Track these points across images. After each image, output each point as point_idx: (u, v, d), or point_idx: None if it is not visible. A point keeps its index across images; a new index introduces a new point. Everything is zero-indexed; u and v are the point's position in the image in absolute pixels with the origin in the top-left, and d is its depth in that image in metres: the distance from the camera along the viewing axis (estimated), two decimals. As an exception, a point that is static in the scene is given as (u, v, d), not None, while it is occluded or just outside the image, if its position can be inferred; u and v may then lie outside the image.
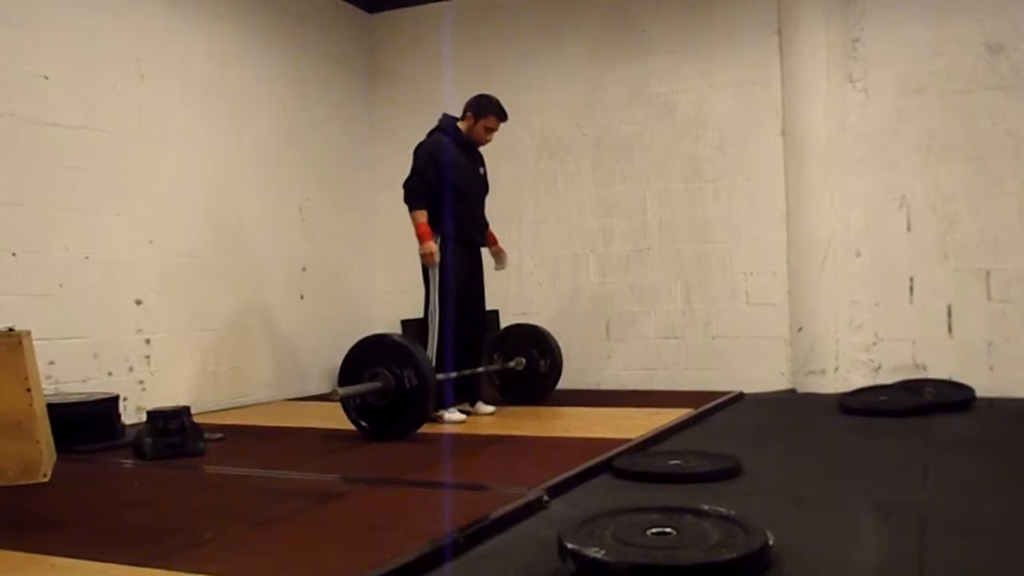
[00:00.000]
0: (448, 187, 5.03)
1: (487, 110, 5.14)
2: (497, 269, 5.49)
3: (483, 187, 5.36)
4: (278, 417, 5.57)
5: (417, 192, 5.00)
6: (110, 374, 5.11)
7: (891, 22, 6.08)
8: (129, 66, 5.35)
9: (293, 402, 6.40)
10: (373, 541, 2.60)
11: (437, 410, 4.79)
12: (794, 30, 6.23)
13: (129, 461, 4.06)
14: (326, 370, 6.74)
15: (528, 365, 5.76)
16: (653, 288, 6.70)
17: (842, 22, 6.17)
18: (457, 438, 4.53)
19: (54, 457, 3.87)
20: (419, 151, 5.14)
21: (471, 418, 5.15)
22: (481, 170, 5.35)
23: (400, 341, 4.55)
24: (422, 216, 4.97)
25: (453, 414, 4.97)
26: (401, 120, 7.56)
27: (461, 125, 5.19)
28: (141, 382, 5.33)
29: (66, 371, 4.84)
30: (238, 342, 6.13)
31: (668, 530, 2.40)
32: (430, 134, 5.25)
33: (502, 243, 5.53)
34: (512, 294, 7.04)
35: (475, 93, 5.09)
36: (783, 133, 6.33)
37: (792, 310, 6.28)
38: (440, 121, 5.28)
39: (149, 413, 4.21)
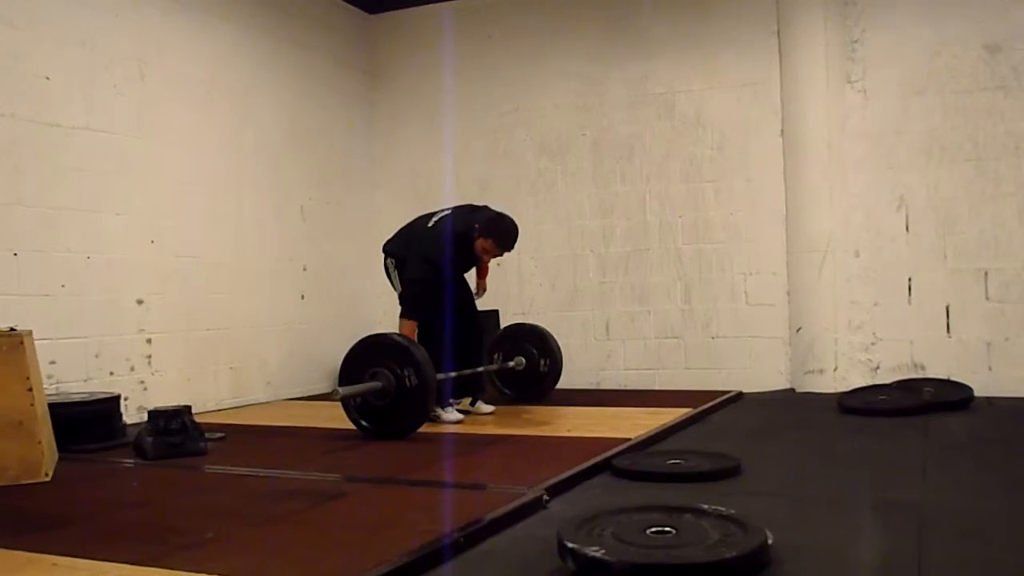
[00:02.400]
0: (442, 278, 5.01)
1: (489, 232, 4.97)
2: (475, 296, 5.45)
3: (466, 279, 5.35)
4: (279, 417, 5.58)
5: (417, 304, 4.91)
6: (111, 374, 5.12)
7: (890, 23, 6.09)
8: (130, 66, 5.36)
9: (294, 402, 6.41)
10: (373, 541, 2.60)
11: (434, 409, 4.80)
12: (793, 31, 6.24)
13: (130, 461, 4.06)
14: (326, 370, 6.75)
15: (528, 365, 5.76)
16: (653, 288, 6.71)
17: (841, 23, 6.17)
18: (457, 438, 4.54)
19: (55, 456, 3.88)
20: (424, 242, 4.99)
21: (471, 418, 5.16)
22: (471, 271, 5.32)
23: (400, 341, 4.55)
24: (410, 328, 4.86)
25: (451, 413, 4.97)
26: (401, 120, 7.59)
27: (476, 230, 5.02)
28: (142, 382, 5.34)
29: (67, 371, 4.85)
30: (239, 342, 6.14)
31: (668, 529, 2.41)
32: (445, 216, 5.12)
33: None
34: (512, 294, 7.05)
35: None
36: (782, 133, 6.33)
37: (791, 310, 6.29)
38: (459, 213, 5.15)
39: (150, 413, 4.22)
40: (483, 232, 5.00)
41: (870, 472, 3.58)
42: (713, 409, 5.40)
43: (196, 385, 5.73)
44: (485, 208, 5.22)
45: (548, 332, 5.92)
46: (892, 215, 6.08)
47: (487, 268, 5.45)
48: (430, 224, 5.11)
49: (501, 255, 5.17)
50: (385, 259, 5.26)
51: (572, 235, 6.97)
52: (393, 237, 5.36)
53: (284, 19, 6.73)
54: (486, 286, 5.48)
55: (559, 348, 5.87)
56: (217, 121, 6.06)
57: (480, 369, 5.33)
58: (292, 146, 6.77)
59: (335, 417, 4.73)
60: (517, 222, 5.05)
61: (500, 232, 5.00)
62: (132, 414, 5.04)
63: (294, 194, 6.77)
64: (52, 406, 4.08)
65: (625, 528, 2.41)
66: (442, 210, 5.26)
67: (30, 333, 3.90)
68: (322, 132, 7.12)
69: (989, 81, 5.84)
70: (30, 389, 3.65)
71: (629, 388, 6.67)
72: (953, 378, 5.69)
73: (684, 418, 4.88)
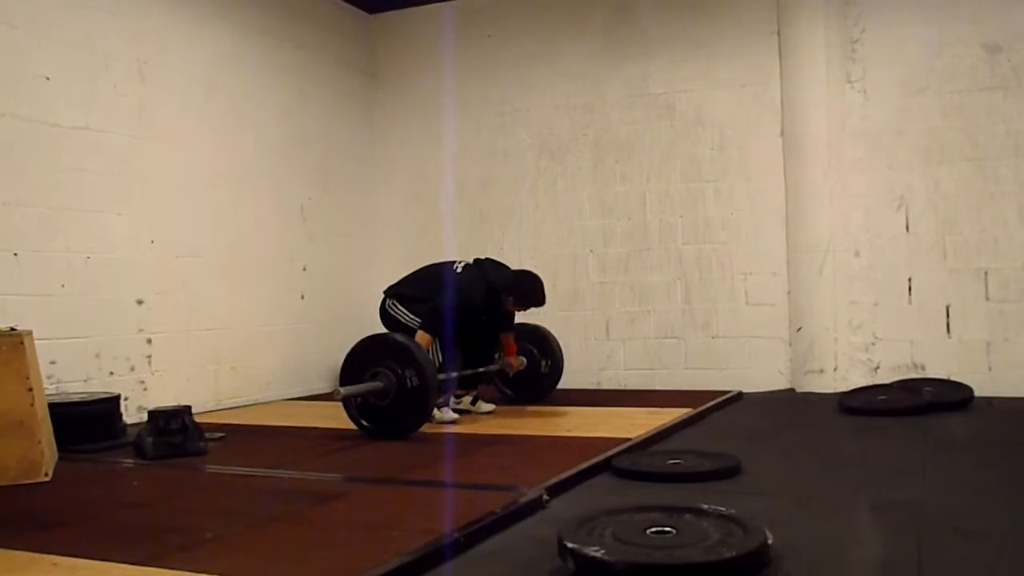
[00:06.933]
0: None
1: (512, 291, 5.11)
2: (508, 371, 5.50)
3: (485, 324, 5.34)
4: (279, 417, 5.58)
5: (440, 328, 4.92)
6: (111, 374, 5.12)
7: (890, 23, 6.08)
8: (129, 66, 5.36)
9: (294, 402, 6.41)
10: (373, 540, 2.61)
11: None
12: (794, 31, 6.24)
13: (130, 460, 4.06)
14: (327, 370, 6.75)
15: (528, 365, 5.74)
16: (653, 288, 6.71)
17: (841, 23, 6.17)
18: (457, 438, 4.54)
19: (55, 456, 3.88)
20: (464, 287, 5.02)
21: (471, 417, 5.16)
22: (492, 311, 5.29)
23: (402, 341, 4.55)
24: (427, 341, 4.84)
25: (447, 413, 4.97)
26: (401, 120, 7.59)
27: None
28: (142, 382, 5.34)
29: (67, 371, 4.85)
30: (239, 342, 6.14)
31: (668, 529, 2.41)
32: (470, 265, 5.20)
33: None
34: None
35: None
36: (782, 133, 6.33)
37: (791, 310, 6.28)
38: (487, 265, 5.25)
39: (150, 413, 4.22)
40: (509, 288, 5.11)
41: (870, 472, 3.59)
42: (713, 409, 5.40)
43: (196, 385, 5.73)
44: (503, 265, 5.34)
45: (549, 332, 5.92)
46: (892, 215, 6.08)
47: (513, 347, 5.46)
48: (459, 271, 5.14)
49: (521, 309, 5.24)
50: (387, 300, 5.22)
51: (572, 235, 6.97)
52: (401, 281, 5.32)
53: (284, 19, 6.73)
54: (513, 363, 5.47)
55: (560, 348, 5.87)
56: (217, 121, 6.06)
57: (481, 369, 5.33)
58: (292, 146, 6.77)
59: (335, 417, 4.73)
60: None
61: (518, 288, 5.12)
62: (132, 414, 5.04)
63: (294, 194, 6.77)
64: (52, 406, 4.08)
65: (625, 528, 2.41)
66: (455, 261, 5.28)
67: (30, 333, 3.90)
68: (322, 132, 7.12)
69: (989, 81, 5.84)
70: (30, 389, 3.65)
71: (629, 388, 6.67)
72: (953, 378, 5.69)
73: (684, 418, 4.88)
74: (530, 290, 5.15)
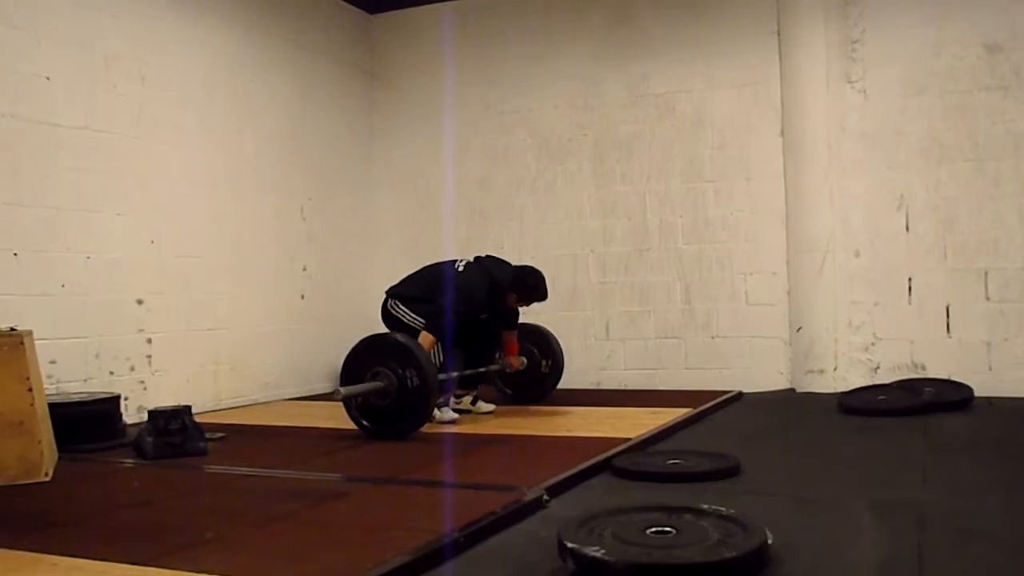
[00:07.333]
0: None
1: (516, 287, 5.13)
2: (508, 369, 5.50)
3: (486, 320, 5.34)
4: (279, 417, 5.58)
5: (443, 328, 4.89)
6: (111, 373, 5.12)
7: (890, 23, 6.09)
8: (130, 66, 5.36)
9: (294, 402, 6.41)
10: (374, 540, 2.61)
11: None
12: (793, 31, 6.24)
13: (130, 461, 4.06)
14: (327, 370, 6.75)
15: (529, 365, 5.73)
16: (653, 288, 6.71)
17: (841, 23, 6.17)
18: (458, 438, 4.54)
19: (55, 456, 3.88)
20: (466, 285, 5.01)
21: (471, 417, 5.16)
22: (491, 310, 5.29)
23: (402, 341, 4.55)
24: (430, 343, 4.82)
25: (446, 413, 4.97)
26: (401, 120, 7.59)
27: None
28: (142, 381, 5.34)
29: (67, 370, 4.85)
30: (239, 342, 6.14)
31: (668, 529, 2.41)
32: (471, 263, 5.20)
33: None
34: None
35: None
36: (782, 133, 6.33)
37: (791, 310, 6.28)
38: (488, 262, 5.26)
39: (150, 412, 4.22)
40: (511, 286, 5.12)
41: (870, 472, 3.58)
42: (713, 409, 5.40)
43: (196, 385, 5.73)
44: (504, 261, 5.34)
45: (550, 332, 5.91)
46: (892, 215, 6.08)
47: (515, 346, 5.46)
48: (460, 269, 5.14)
49: (524, 304, 5.25)
50: (388, 301, 5.21)
51: (572, 235, 6.97)
52: (403, 281, 5.31)
53: (284, 19, 6.73)
54: (514, 363, 5.46)
55: (561, 349, 5.86)
56: (217, 121, 6.06)
57: (482, 369, 5.33)
58: (292, 146, 6.77)
59: (335, 417, 4.73)
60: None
61: (521, 284, 5.14)
62: (132, 414, 5.04)
63: (294, 194, 6.77)
64: (52, 406, 4.08)
65: (625, 528, 2.41)
66: (456, 260, 5.27)
67: (30, 333, 3.90)
68: (322, 132, 7.12)
69: (989, 81, 5.84)
70: (30, 389, 3.65)
71: (629, 388, 6.67)
72: (953, 378, 5.68)
73: (684, 418, 4.88)
74: (533, 285, 5.17)
